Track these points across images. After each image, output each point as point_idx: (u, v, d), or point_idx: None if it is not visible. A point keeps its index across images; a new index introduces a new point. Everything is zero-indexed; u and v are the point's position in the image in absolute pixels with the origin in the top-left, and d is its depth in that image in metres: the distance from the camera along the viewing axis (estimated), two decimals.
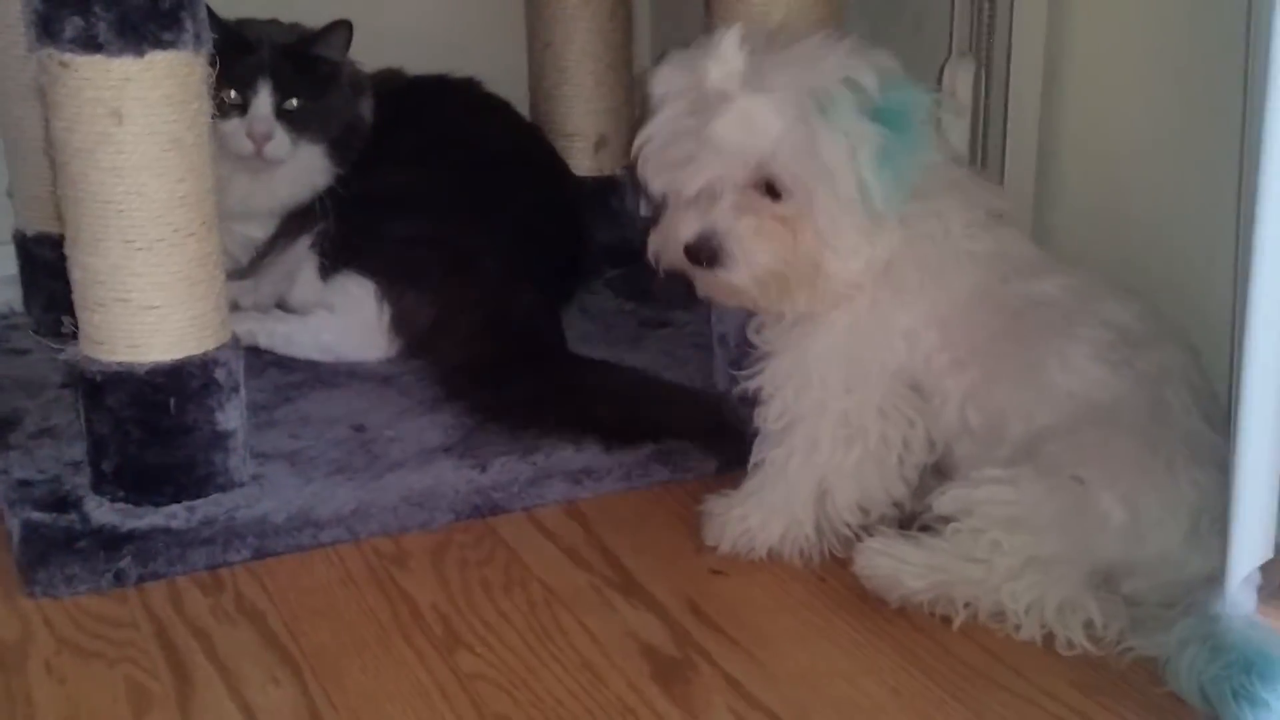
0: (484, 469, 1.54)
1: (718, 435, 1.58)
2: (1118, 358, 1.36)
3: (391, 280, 1.80)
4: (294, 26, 1.88)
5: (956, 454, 1.41)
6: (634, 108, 2.11)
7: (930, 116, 1.37)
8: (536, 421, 1.61)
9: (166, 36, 1.36)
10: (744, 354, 1.47)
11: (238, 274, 1.89)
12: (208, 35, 1.40)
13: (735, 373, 1.46)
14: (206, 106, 1.42)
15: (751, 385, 1.44)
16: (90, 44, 1.34)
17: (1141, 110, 1.58)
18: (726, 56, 1.34)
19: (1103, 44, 1.61)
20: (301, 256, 1.86)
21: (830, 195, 1.33)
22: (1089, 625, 1.28)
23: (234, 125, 1.78)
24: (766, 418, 1.43)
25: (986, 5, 1.68)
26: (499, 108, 2.02)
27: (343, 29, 1.85)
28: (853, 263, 1.36)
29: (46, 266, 1.77)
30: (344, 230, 1.84)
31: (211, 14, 1.44)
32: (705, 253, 1.36)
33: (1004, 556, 1.30)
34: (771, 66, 1.34)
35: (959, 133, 1.69)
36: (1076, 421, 1.34)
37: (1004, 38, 1.66)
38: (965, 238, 1.40)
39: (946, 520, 1.33)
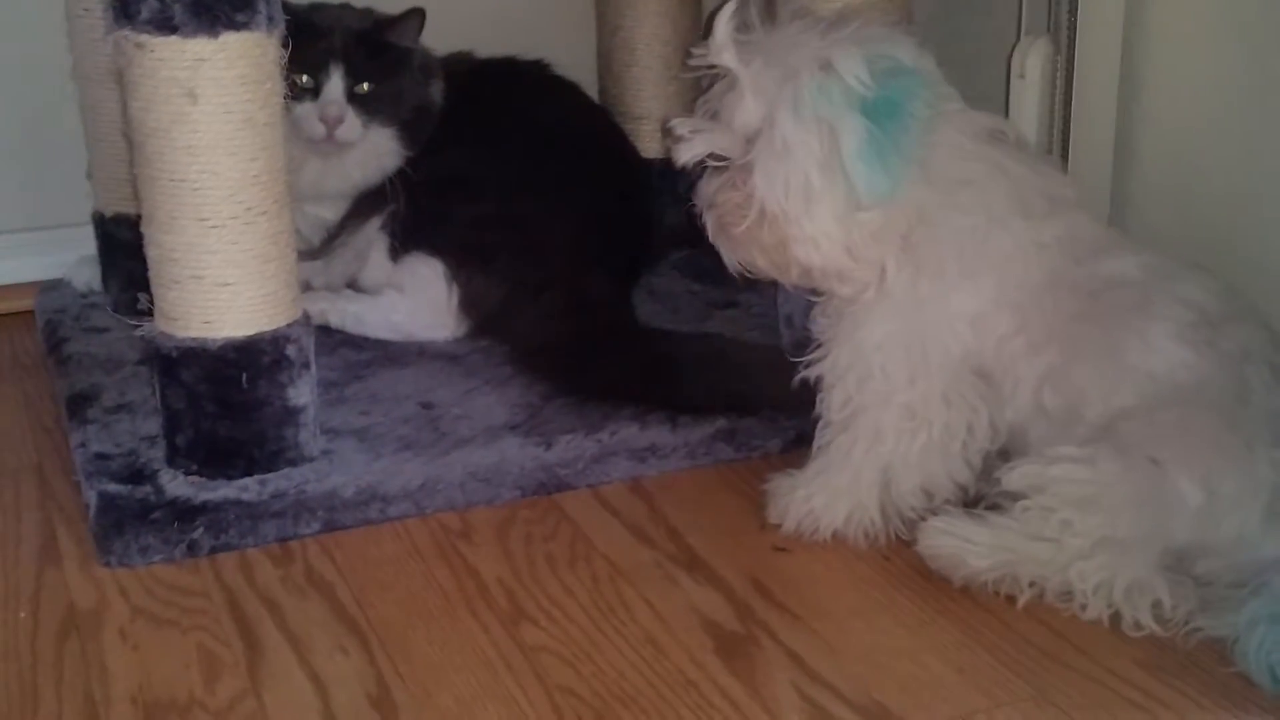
0: (549, 446, 1.55)
1: (792, 403, 1.53)
2: (1199, 337, 1.34)
3: (460, 261, 1.82)
4: (367, 12, 1.90)
5: (1030, 436, 1.39)
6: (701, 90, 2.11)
7: (928, 106, 1.32)
8: (615, 398, 1.61)
9: (240, 18, 1.38)
10: (809, 337, 1.47)
11: (309, 254, 1.92)
12: (280, 16, 1.42)
13: (797, 359, 1.45)
14: (279, 86, 1.44)
15: (813, 373, 1.44)
16: (166, 25, 1.36)
17: (1218, 89, 1.56)
18: (718, 34, 1.34)
19: (1182, 21, 1.59)
20: (372, 237, 1.88)
21: (785, 179, 1.32)
22: (1157, 606, 1.27)
23: (306, 109, 1.80)
24: (830, 406, 1.43)
25: None
26: (568, 89, 2.03)
27: (415, 17, 1.86)
28: (824, 248, 1.34)
29: (124, 246, 1.80)
30: (413, 212, 1.85)
31: (283, 2, 1.46)
32: (700, 226, 1.39)
33: (1075, 536, 1.29)
34: (765, 48, 1.34)
35: (1029, 115, 1.68)
36: (1156, 402, 1.33)
37: (1075, 17, 1.64)
38: (1027, 229, 1.38)
39: (1014, 497, 1.32)
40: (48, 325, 1.90)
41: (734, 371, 1.65)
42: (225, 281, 1.43)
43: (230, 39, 1.38)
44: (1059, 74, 1.67)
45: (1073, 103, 1.66)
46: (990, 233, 1.37)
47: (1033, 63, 1.67)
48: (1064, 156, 1.69)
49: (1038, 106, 1.67)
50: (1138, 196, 1.65)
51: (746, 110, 1.34)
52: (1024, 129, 1.68)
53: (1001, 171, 1.39)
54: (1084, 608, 1.29)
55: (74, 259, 2.01)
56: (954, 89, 1.39)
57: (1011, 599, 1.31)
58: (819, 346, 1.44)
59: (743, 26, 1.35)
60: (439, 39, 1.95)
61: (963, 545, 1.34)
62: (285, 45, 1.45)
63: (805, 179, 1.31)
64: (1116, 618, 1.28)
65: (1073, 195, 1.44)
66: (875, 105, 1.30)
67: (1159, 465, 1.29)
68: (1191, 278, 1.39)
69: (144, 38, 1.37)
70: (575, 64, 2.09)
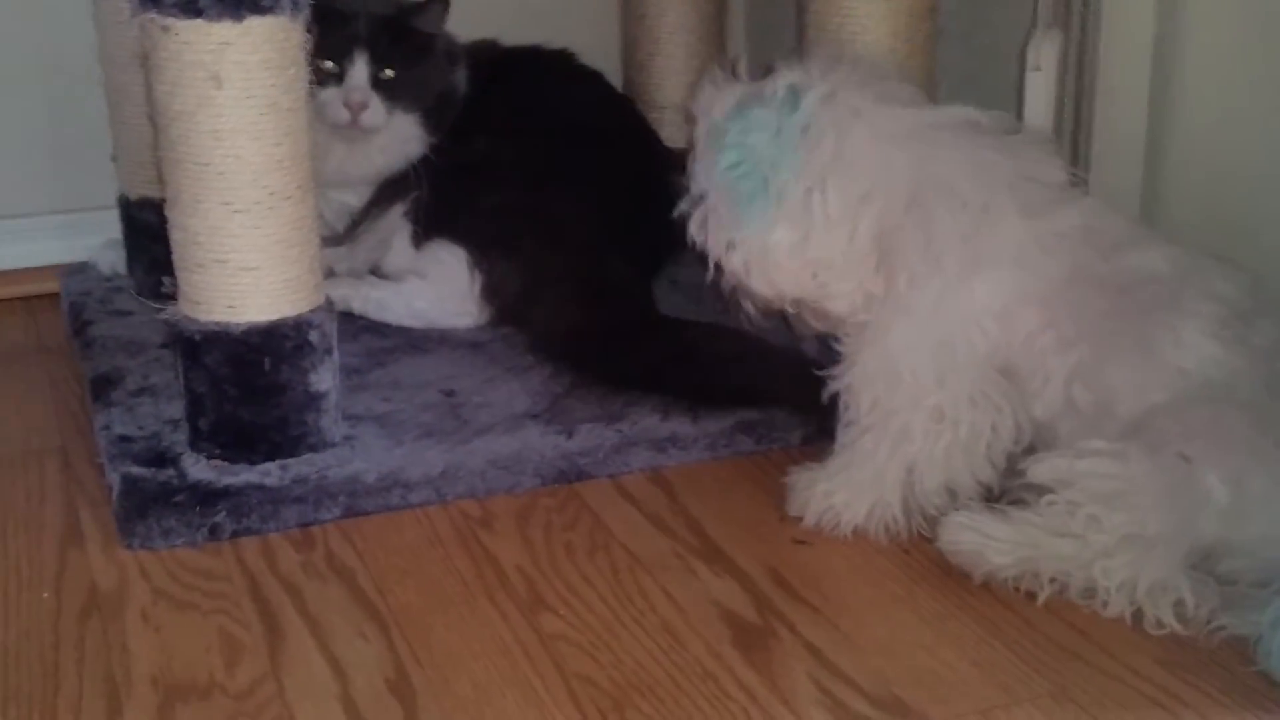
0: (570, 435, 1.55)
1: (814, 402, 1.54)
2: (1230, 333, 1.33)
3: (483, 248, 1.82)
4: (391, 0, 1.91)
5: (1060, 431, 1.38)
6: None
7: (783, 134, 1.38)
8: (633, 389, 1.62)
9: (264, 2, 1.38)
10: (832, 351, 1.46)
11: (333, 240, 1.92)
12: (305, 1, 1.42)
13: (821, 373, 1.45)
14: (303, 72, 1.44)
15: (842, 384, 1.43)
16: (191, 8, 1.36)
17: (1254, 83, 1.54)
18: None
19: (1218, 14, 1.58)
20: (395, 224, 1.88)
21: (706, 224, 1.45)
22: (1179, 605, 1.26)
23: (331, 94, 1.80)
24: (860, 408, 1.42)
25: None
26: (592, 78, 2.03)
27: (440, 3, 1.87)
28: (780, 284, 1.42)
29: (149, 230, 1.81)
30: (437, 199, 1.85)
31: None
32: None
33: (1100, 533, 1.27)
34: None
35: (1043, 107, 1.67)
36: (1188, 398, 1.32)
37: (1091, 8, 1.63)
38: (1034, 220, 1.38)
39: (1039, 490, 1.31)
40: (72, 308, 1.91)
41: (755, 367, 1.65)
42: (249, 266, 1.43)
43: (255, 23, 1.38)
44: (1074, 66, 1.66)
45: (1095, 95, 1.65)
46: (986, 225, 1.37)
47: (1047, 54, 1.66)
48: (1074, 149, 1.68)
49: (1052, 98, 1.67)
50: (1167, 191, 1.64)
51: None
52: (1037, 121, 1.68)
53: (975, 163, 1.39)
54: (1106, 605, 1.28)
55: (99, 242, 2.02)
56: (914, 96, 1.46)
57: (1032, 595, 1.30)
58: (844, 359, 1.43)
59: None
60: (465, 28, 1.94)
61: (984, 541, 1.33)
62: (309, 30, 1.45)
63: (721, 224, 1.41)
64: (1138, 615, 1.27)
65: (1064, 178, 1.44)
66: (727, 143, 1.39)
67: (1188, 462, 1.28)
68: (1220, 272, 1.38)
69: (169, 20, 1.37)
70: (599, 53, 2.09)
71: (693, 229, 1.46)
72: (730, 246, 1.43)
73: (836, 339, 1.45)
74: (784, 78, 1.42)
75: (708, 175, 1.42)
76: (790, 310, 1.47)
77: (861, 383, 1.41)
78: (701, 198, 1.44)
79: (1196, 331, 1.33)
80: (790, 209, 1.39)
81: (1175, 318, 1.34)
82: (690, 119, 1.47)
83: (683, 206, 1.46)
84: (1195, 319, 1.34)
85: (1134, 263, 1.38)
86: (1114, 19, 1.64)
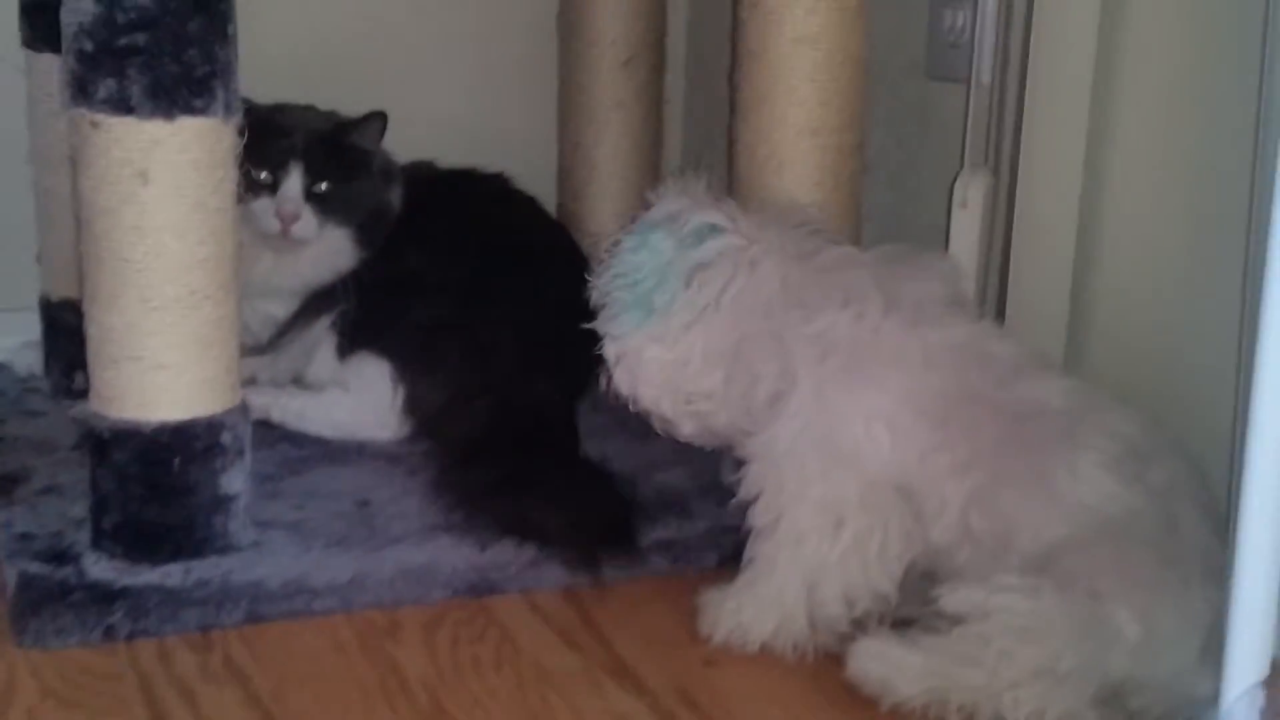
0: (483, 549, 1.54)
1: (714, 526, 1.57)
2: (1128, 470, 1.35)
3: (407, 362, 1.82)
4: (330, 114, 1.92)
5: (957, 559, 1.39)
6: None
7: (673, 265, 1.46)
8: (496, 510, 1.60)
9: (197, 103, 1.39)
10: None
11: (257, 350, 1.91)
12: (237, 105, 1.43)
13: (728, 480, 1.47)
14: (232, 174, 1.44)
15: (742, 492, 1.45)
16: (122, 105, 1.37)
17: (1176, 224, 1.59)
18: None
19: (1140, 162, 1.62)
20: (320, 335, 1.88)
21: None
22: None
23: (263, 204, 1.81)
24: (756, 515, 1.43)
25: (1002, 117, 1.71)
26: (525, 202, 2.05)
27: (377, 120, 1.89)
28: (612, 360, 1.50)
29: (69, 331, 1.79)
30: (364, 311, 1.85)
31: (246, 100, 1.47)
32: None
33: (1011, 667, 1.27)
34: None
35: (969, 244, 1.71)
36: (1090, 533, 1.32)
37: (1017, 149, 1.68)
38: (928, 328, 1.41)
39: (953, 620, 1.31)
40: None
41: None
42: (163, 363, 1.42)
43: (186, 123, 1.39)
44: (1003, 204, 1.71)
45: (1021, 232, 1.69)
46: (866, 330, 1.41)
47: (974, 192, 1.71)
48: (1001, 286, 1.72)
49: (977, 235, 1.71)
50: (1092, 328, 1.67)
51: None
52: (963, 257, 1.71)
53: (851, 284, 1.43)
54: None
55: (17, 343, 2.00)
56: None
57: None
58: (742, 466, 1.45)
59: None
60: (403, 149, 1.97)
61: (892, 670, 1.32)
62: (241, 134, 1.45)
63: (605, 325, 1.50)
64: None
65: (959, 292, 1.49)
66: (620, 254, 1.49)
67: (1099, 599, 1.28)
68: (1117, 409, 1.40)
69: (99, 117, 1.38)
70: (536, 180, 2.11)
71: (597, 321, 1.51)
72: (609, 345, 1.50)
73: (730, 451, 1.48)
74: (710, 215, 1.46)
75: (600, 280, 1.50)
76: (655, 422, 1.53)
77: (755, 486, 1.42)
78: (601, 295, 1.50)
79: (1093, 465, 1.34)
80: (666, 333, 1.45)
81: (1072, 451, 1.35)
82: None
83: (593, 296, 1.50)
84: (1092, 453, 1.35)
85: (1030, 392, 1.40)
86: (1041, 159, 1.68)
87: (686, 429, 1.52)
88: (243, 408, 1.49)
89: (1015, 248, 1.68)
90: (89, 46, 1.37)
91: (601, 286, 1.50)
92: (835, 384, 1.40)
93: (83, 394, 1.48)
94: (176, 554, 1.45)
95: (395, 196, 1.95)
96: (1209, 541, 1.33)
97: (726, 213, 1.48)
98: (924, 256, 1.54)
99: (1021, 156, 1.69)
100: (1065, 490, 1.34)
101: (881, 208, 1.93)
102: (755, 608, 1.41)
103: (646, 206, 1.53)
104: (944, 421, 1.38)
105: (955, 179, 1.75)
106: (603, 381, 1.53)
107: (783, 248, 1.47)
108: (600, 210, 2.14)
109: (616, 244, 1.50)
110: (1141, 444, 1.37)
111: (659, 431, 1.54)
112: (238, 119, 1.44)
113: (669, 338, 1.46)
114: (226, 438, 1.46)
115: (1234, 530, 1.14)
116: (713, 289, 1.45)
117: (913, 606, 1.40)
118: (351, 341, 1.84)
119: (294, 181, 1.82)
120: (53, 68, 1.68)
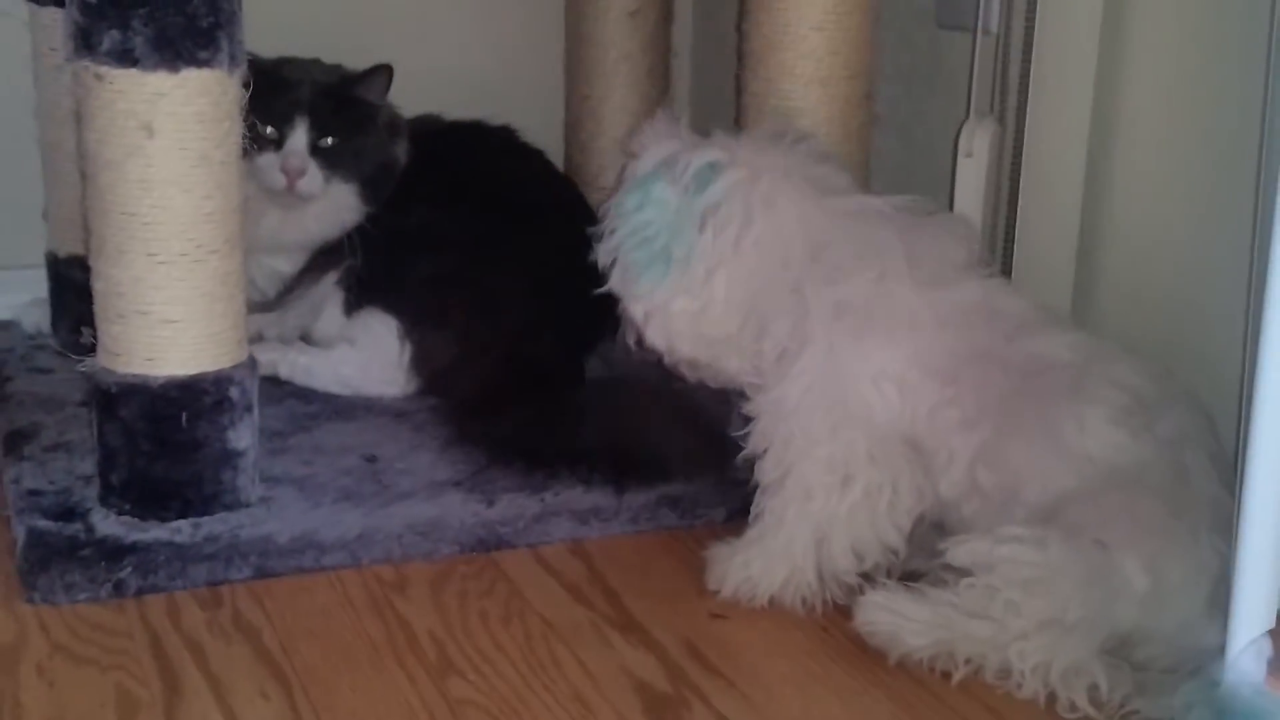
0: (491, 504, 1.54)
1: (723, 479, 1.56)
2: (1136, 421, 1.34)
3: (415, 318, 1.81)
4: (335, 67, 1.91)
5: (965, 512, 1.39)
6: None
7: (681, 213, 1.42)
8: (540, 458, 1.60)
9: (202, 55, 1.38)
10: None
11: (264, 306, 1.91)
12: (242, 56, 1.42)
13: (734, 434, 1.46)
14: (237, 127, 1.44)
15: (749, 446, 1.44)
16: (126, 58, 1.36)
17: (1182, 180, 1.58)
18: None
19: (1152, 109, 1.61)
20: (327, 291, 1.87)
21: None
22: (1093, 689, 1.26)
23: (269, 159, 1.80)
24: (764, 470, 1.43)
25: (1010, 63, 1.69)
26: (533, 155, 2.04)
27: (383, 73, 1.88)
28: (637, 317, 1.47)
29: (76, 288, 1.78)
30: (371, 267, 1.85)
31: (251, 55, 1.46)
32: None
33: (1018, 618, 1.27)
34: None
35: (973, 194, 1.70)
36: (1098, 485, 1.32)
37: (1030, 95, 1.67)
38: (939, 289, 1.40)
39: (959, 573, 1.31)
40: None
41: (675, 441, 1.64)
42: (170, 318, 1.42)
43: (191, 75, 1.38)
44: (1008, 153, 1.70)
45: (1027, 182, 1.67)
46: (879, 292, 1.39)
47: (979, 141, 1.69)
48: (1007, 235, 1.70)
49: (983, 185, 1.69)
50: (1099, 279, 1.66)
51: None
52: (968, 207, 1.70)
53: (870, 240, 1.42)
54: (1020, 686, 1.27)
55: (24, 300, 1.99)
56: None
57: (947, 675, 1.29)
58: (749, 422, 1.44)
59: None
60: (409, 101, 1.96)
61: (900, 622, 1.32)
62: (246, 87, 1.44)
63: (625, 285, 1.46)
64: (1052, 698, 1.26)
65: (972, 255, 1.46)
66: (623, 217, 1.44)
67: (1106, 549, 1.28)
68: (1125, 360, 1.40)
69: (104, 69, 1.37)
70: (543, 132, 2.10)
71: (611, 282, 1.48)
72: (634, 305, 1.46)
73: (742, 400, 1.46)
74: (706, 154, 1.43)
75: (609, 244, 1.46)
76: (687, 370, 1.50)
77: (763, 441, 1.42)
78: (612, 257, 1.46)
79: (1101, 418, 1.34)
80: (690, 283, 1.42)
81: (1079, 404, 1.35)
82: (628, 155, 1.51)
83: (600, 259, 1.47)
84: (1100, 405, 1.34)
85: (1038, 347, 1.40)
86: (1048, 107, 1.67)
87: (716, 372, 1.49)
88: (250, 363, 1.49)
89: (1022, 197, 1.67)
90: None
91: (611, 249, 1.46)
92: (846, 343, 1.39)
93: (91, 350, 1.48)
94: (185, 510, 1.45)
95: (401, 150, 1.94)
96: (1218, 492, 1.32)
97: (720, 144, 1.45)
98: (940, 216, 1.52)
99: (1029, 105, 1.68)
100: (1073, 442, 1.34)
101: (886, 156, 1.92)
102: (763, 561, 1.41)
103: (631, 155, 1.50)
104: (954, 378, 1.38)
105: (960, 127, 1.74)
106: (630, 341, 1.50)
107: (790, 174, 1.44)
108: (607, 163, 2.13)
109: (617, 204, 1.47)
110: (1150, 395, 1.37)
111: (689, 380, 1.52)
112: (242, 71, 1.43)
113: (695, 287, 1.43)
114: (234, 393, 1.46)
115: (1241, 480, 1.14)
116: (730, 231, 1.41)
117: (921, 559, 1.40)
118: (358, 297, 1.84)
119: (299, 136, 1.81)
120: (56, 21, 1.67)
